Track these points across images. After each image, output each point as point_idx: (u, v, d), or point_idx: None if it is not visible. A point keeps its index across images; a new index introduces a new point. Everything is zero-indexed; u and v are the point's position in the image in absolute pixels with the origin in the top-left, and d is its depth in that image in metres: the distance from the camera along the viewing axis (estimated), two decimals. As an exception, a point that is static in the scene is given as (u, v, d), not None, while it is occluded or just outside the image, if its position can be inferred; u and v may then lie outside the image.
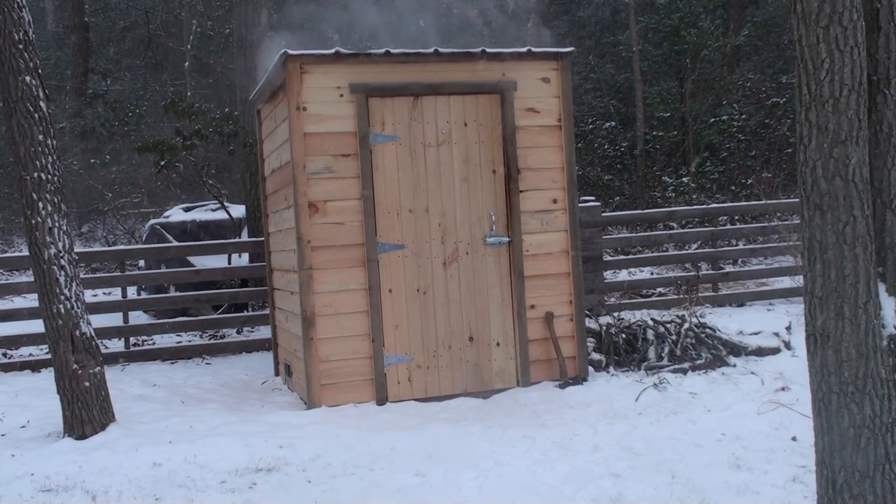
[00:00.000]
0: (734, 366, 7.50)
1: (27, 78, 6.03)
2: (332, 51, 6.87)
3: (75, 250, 6.40)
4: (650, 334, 7.88)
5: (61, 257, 6.12)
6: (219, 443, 5.77)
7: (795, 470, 4.88)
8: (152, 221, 13.16)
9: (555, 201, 7.33)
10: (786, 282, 11.08)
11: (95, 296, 13.53)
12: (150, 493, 5.04)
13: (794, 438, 5.43)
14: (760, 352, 7.81)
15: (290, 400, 7.39)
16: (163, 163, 11.78)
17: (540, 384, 7.21)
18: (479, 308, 7.14)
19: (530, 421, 6.25)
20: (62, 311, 6.11)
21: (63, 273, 6.12)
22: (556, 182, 7.33)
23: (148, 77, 24.56)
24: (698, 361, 7.53)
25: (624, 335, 7.95)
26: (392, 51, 6.93)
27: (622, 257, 12.48)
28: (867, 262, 3.44)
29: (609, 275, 11.75)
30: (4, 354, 9.88)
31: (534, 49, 7.31)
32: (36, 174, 6.05)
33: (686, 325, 7.94)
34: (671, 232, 12.33)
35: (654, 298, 11.00)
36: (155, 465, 5.45)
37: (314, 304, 6.78)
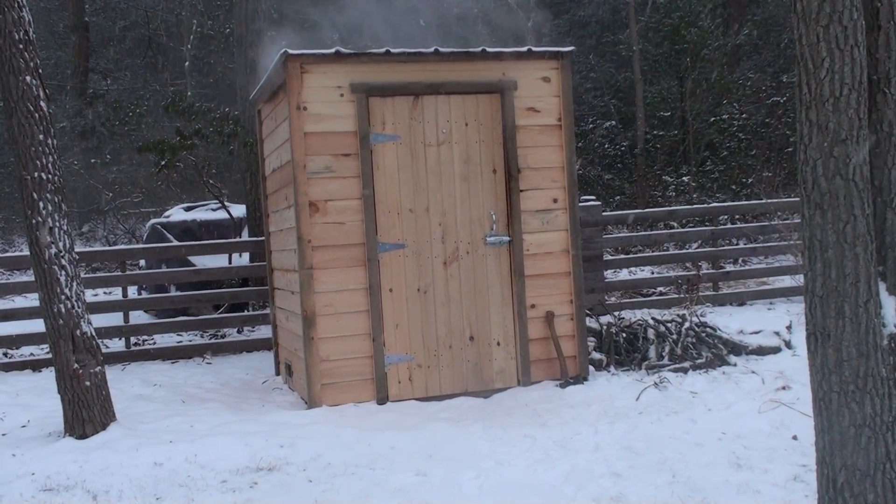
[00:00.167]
0: (735, 365, 7.50)
1: (27, 78, 6.03)
2: (333, 50, 6.87)
3: (76, 250, 6.40)
4: (651, 333, 7.88)
5: (62, 257, 6.13)
6: (219, 442, 5.77)
7: (796, 469, 4.88)
8: (153, 221, 13.17)
9: (555, 200, 7.33)
10: (786, 281, 11.09)
11: (96, 295, 13.54)
12: (151, 493, 5.05)
13: (794, 437, 5.43)
14: (761, 351, 7.81)
15: (291, 399, 7.39)
16: (163, 162, 11.78)
17: (541, 383, 7.21)
18: (479, 307, 7.14)
19: (531, 420, 6.25)
20: (63, 310, 6.11)
21: (64, 273, 6.12)
22: (556, 181, 7.33)
23: (148, 77, 24.56)
24: (699, 360, 7.53)
25: (624, 334, 7.95)
26: (392, 50, 6.93)
27: (622, 256, 12.48)
28: (867, 261, 3.44)
29: (609, 274, 11.75)
30: (5, 354, 9.88)
31: (534, 48, 7.31)
32: (36, 174, 6.05)
33: (687, 325, 7.94)
34: (672, 231, 12.33)
35: (654, 298, 11.00)
36: (156, 465, 5.46)
37: (315, 304, 6.78)
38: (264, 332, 10.34)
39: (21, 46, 6.02)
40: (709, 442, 5.49)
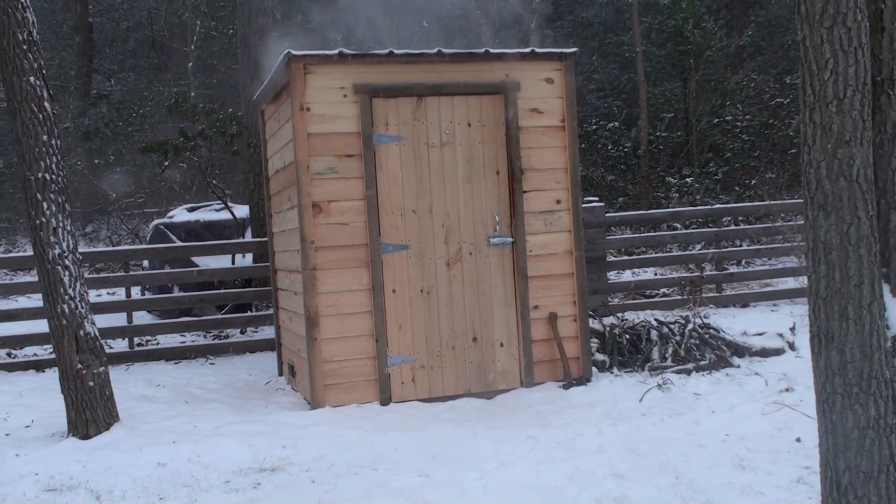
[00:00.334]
0: (738, 366, 7.49)
1: (31, 78, 6.04)
2: (336, 51, 6.88)
3: (79, 250, 6.41)
4: (654, 335, 7.87)
5: (65, 257, 6.13)
6: (223, 443, 5.78)
7: (800, 471, 4.88)
8: (156, 221, 13.18)
9: (558, 202, 7.33)
10: (790, 282, 11.08)
11: (99, 296, 13.56)
12: (155, 493, 5.05)
13: (798, 439, 5.43)
14: (764, 352, 7.80)
15: (294, 400, 7.40)
16: (167, 163, 11.79)
17: (543, 385, 7.20)
18: (482, 308, 7.14)
19: (534, 421, 6.24)
20: (66, 310, 6.12)
21: (67, 273, 6.13)
22: (559, 182, 7.33)
23: (152, 77, 24.58)
24: (702, 362, 7.52)
25: (628, 336, 7.94)
26: (396, 51, 6.93)
27: (626, 258, 12.47)
28: (871, 262, 3.44)
29: (613, 275, 11.75)
30: (9, 354, 9.90)
31: (537, 49, 7.31)
32: (40, 174, 6.06)
33: (690, 326, 7.93)
34: (675, 232, 12.32)
35: (657, 299, 10.99)
36: (159, 465, 5.46)
37: (318, 305, 6.79)
38: (267, 332, 10.35)
39: (25, 47, 6.03)
40: (712, 443, 5.48)
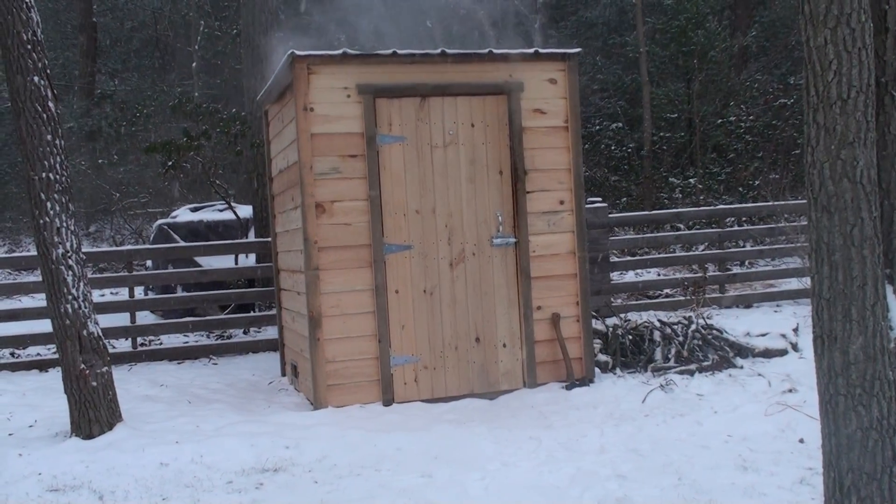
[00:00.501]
0: (741, 367, 7.48)
1: (35, 78, 6.05)
2: (340, 51, 6.88)
3: (83, 250, 6.41)
4: (657, 336, 7.87)
5: (69, 257, 6.14)
6: (225, 443, 5.78)
7: (802, 472, 4.87)
8: (160, 221, 13.20)
9: (561, 202, 7.32)
10: (793, 283, 11.07)
11: (103, 296, 13.58)
12: (157, 493, 5.06)
13: (801, 440, 5.42)
14: (767, 353, 7.79)
15: (297, 400, 7.40)
16: (170, 163, 11.80)
17: (546, 385, 7.20)
18: (485, 309, 7.14)
19: (536, 422, 6.24)
20: (70, 310, 6.13)
21: (71, 273, 6.14)
22: (562, 183, 7.33)
23: (155, 77, 24.62)
24: (705, 363, 7.51)
25: (630, 336, 7.94)
26: (399, 52, 6.93)
27: (629, 258, 12.46)
28: (875, 264, 3.44)
29: (616, 276, 11.74)
30: (12, 354, 9.92)
31: (541, 50, 7.31)
32: (44, 174, 6.07)
33: (693, 327, 7.92)
34: (678, 233, 12.32)
35: (660, 300, 10.98)
36: (162, 465, 5.46)
37: (321, 305, 6.79)
38: (270, 332, 10.35)
39: (29, 47, 6.04)
40: (715, 444, 5.48)
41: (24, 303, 12.99)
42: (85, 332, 6.17)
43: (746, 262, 13.38)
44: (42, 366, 9.27)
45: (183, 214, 13.24)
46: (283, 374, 8.54)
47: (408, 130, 7.01)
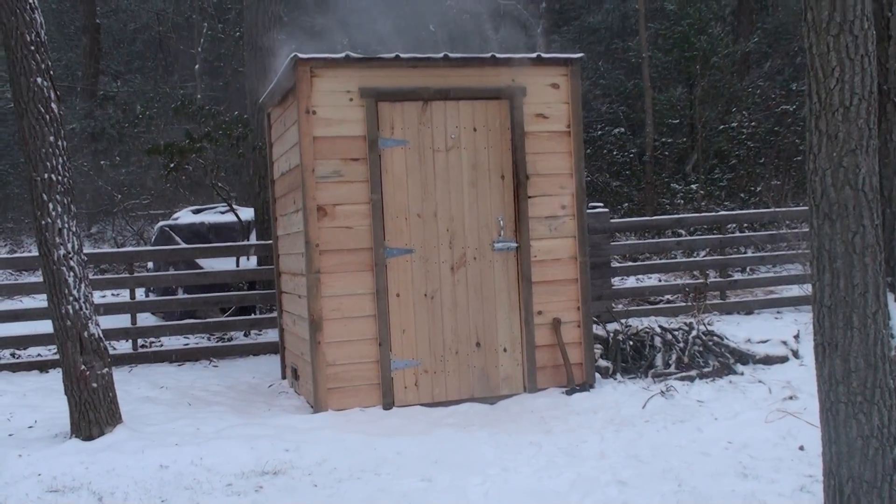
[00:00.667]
0: (742, 374, 7.48)
1: (38, 79, 6.06)
2: (343, 55, 6.88)
3: (84, 251, 6.42)
4: (658, 341, 7.87)
5: (70, 258, 6.14)
6: (225, 446, 5.78)
7: (803, 479, 4.86)
8: (161, 223, 13.19)
9: (563, 207, 7.32)
10: (794, 290, 11.06)
11: (104, 297, 13.57)
12: (157, 495, 5.05)
13: (801, 447, 5.41)
14: (768, 360, 7.79)
15: (297, 403, 7.40)
16: (172, 165, 11.81)
17: (547, 390, 7.19)
18: (486, 313, 7.14)
19: (537, 427, 6.24)
20: (71, 311, 6.13)
21: (72, 274, 6.14)
22: (564, 188, 7.33)
23: (158, 79, 24.65)
24: (706, 369, 7.50)
25: (631, 342, 7.93)
26: (402, 55, 6.94)
27: (630, 264, 12.46)
28: (876, 271, 3.43)
29: (617, 281, 11.74)
30: (13, 354, 9.92)
31: (543, 55, 7.31)
32: (46, 175, 6.07)
33: (694, 333, 7.92)
34: (679, 239, 12.32)
35: (661, 305, 10.98)
36: (161, 467, 5.46)
37: (322, 308, 6.79)
38: (271, 335, 10.35)
39: (33, 48, 6.04)
40: (715, 451, 5.47)
41: (26, 303, 12.99)
42: (86, 334, 6.17)
43: (748, 269, 13.38)
44: (42, 366, 9.27)
45: (184, 216, 13.23)
46: (284, 377, 8.54)
47: (410, 134, 7.01)
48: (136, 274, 10.20)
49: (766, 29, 21.71)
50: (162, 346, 10.41)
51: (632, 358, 7.81)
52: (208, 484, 5.21)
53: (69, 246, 6.15)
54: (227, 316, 10.99)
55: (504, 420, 6.47)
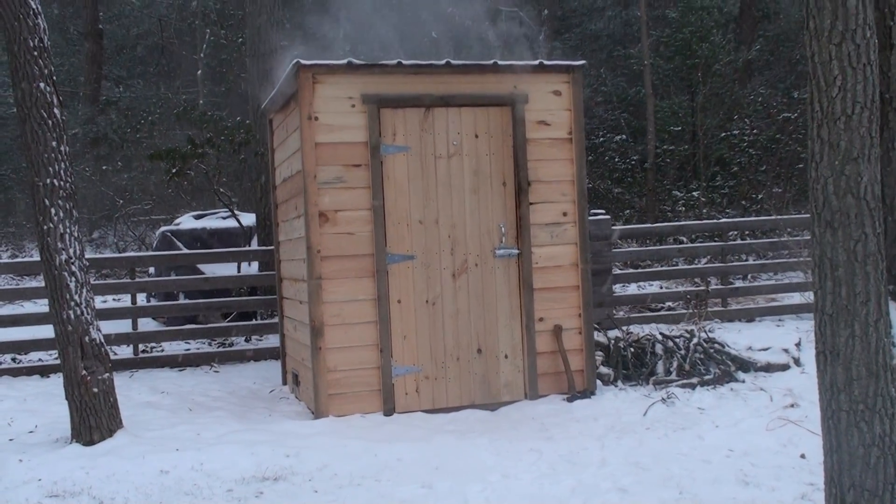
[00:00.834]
0: (743, 381, 7.47)
1: (41, 84, 6.07)
2: (345, 61, 6.89)
3: (86, 256, 6.42)
4: (659, 349, 7.86)
5: (72, 263, 6.15)
6: (226, 451, 5.78)
7: (804, 487, 4.86)
8: (163, 228, 13.21)
9: (565, 214, 7.33)
10: (796, 297, 11.05)
11: (105, 302, 13.59)
12: (157, 501, 5.05)
13: (802, 456, 5.41)
14: (769, 368, 7.77)
15: (298, 409, 7.39)
16: (174, 170, 11.82)
17: (548, 397, 7.19)
18: (487, 320, 7.14)
19: (538, 434, 6.23)
20: (72, 316, 6.13)
21: (74, 279, 6.14)
22: (566, 195, 7.33)
23: (160, 85, 24.71)
24: (707, 377, 7.50)
25: (632, 349, 7.93)
26: (404, 62, 6.95)
27: (631, 271, 12.45)
28: (878, 280, 3.43)
29: (618, 288, 11.73)
30: (14, 359, 9.92)
31: (545, 62, 7.32)
32: (49, 180, 6.08)
33: (695, 340, 7.91)
34: (681, 246, 12.31)
35: (663, 312, 10.96)
36: (162, 473, 5.46)
37: (323, 314, 6.79)
38: (272, 341, 10.35)
39: (35, 53, 6.06)
40: (716, 458, 5.47)
41: (27, 308, 12.99)
42: (87, 339, 6.17)
43: (749, 276, 13.37)
44: (43, 371, 9.26)
45: (186, 222, 13.25)
46: (285, 383, 8.53)
47: (412, 140, 7.02)
48: (137, 279, 10.21)
49: (768, 37, 21.74)
50: (163, 351, 10.42)
51: (633, 365, 7.80)
52: (209, 489, 5.21)
53: (71, 251, 6.15)
54: (228, 321, 10.99)
55: (505, 427, 6.47)
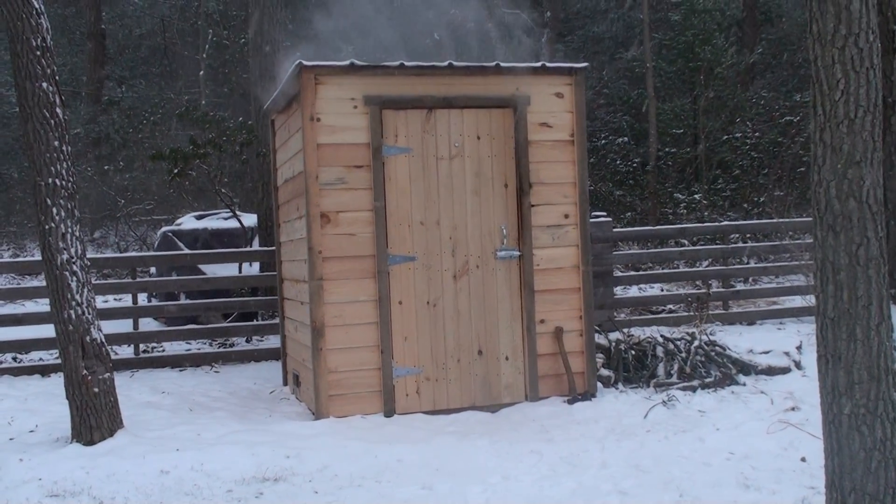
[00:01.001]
0: (744, 384, 7.46)
1: (44, 84, 6.07)
2: (347, 62, 6.89)
3: (87, 256, 6.42)
4: (660, 351, 7.85)
5: (73, 263, 6.15)
6: (226, 451, 5.78)
7: (804, 491, 4.85)
8: (164, 229, 13.22)
9: (566, 216, 7.32)
10: (797, 300, 11.05)
11: (106, 302, 13.59)
12: (157, 501, 5.05)
13: (803, 459, 5.40)
14: (770, 371, 7.77)
15: (298, 410, 7.39)
16: (176, 171, 11.83)
17: (548, 399, 7.18)
18: (488, 322, 7.13)
19: (538, 436, 6.23)
20: (73, 316, 6.13)
21: (75, 279, 6.14)
22: (567, 197, 7.33)
23: (163, 85, 24.72)
24: (708, 379, 7.49)
25: (633, 351, 7.92)
26: (406, 63, 6.95)
27: (633, 273, 12.45)
28: (880, 283, 3.43)
29: (619, 290, 11.73)
30: (15, 358, 9.93)
31: (548, 64, 7.32)
32: (50, 180, 6.08)
33: (696, 343, 7.91)
34: (682, 249, 12.31)
35: (664, 315, 10.97)
36: (162, 473, 5.46)
37: (324, 315, 6.79)
38: (273, 341, 10.35)
39: (38, 53, 6.06)
40: (716, 461, 5.46)
41: (28, 307, 12.99)
42: (88, 338, 6.17)
43: (750, 279, 13.37)
44: (44, 371, 9.27)
45: (188, 222, 13.26)
46: (285, 384, 8.53)
47: (414, 142, 7.02)
48: (138, 279, 10.21)
49: (771, 40, 21.75)
50: (163, 351, 10.42)
51: (634, 367, 7.80)
52: (209, 490, 5.21)
53: (72, 251, 6.15)
54: (229, 322, 10.99)
55: (505, 428, 6.46)
